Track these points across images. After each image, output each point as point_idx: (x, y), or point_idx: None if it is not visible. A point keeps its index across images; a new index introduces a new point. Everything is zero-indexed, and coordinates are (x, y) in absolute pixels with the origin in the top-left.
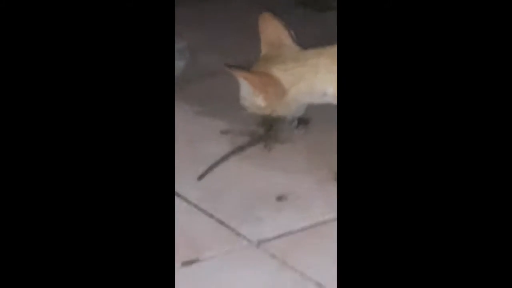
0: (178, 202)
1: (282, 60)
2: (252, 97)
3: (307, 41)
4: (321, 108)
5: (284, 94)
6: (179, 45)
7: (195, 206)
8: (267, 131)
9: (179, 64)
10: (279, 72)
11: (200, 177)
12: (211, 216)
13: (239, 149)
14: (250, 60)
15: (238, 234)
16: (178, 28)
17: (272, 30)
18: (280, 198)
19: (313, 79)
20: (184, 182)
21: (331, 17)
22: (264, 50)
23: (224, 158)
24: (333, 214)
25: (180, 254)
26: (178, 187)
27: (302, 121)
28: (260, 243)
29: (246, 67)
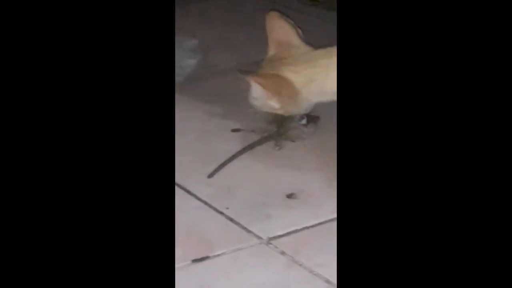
0: (189, 199)
1: (292, 61)
2: (265, 99)
3: (319, 40)
4: (331, 106)
5: (296, 95)
6: (190, 43)
7: (206, 203)
8: (278, 129)
9: (190, 63)
10: (291, 74)
11: (211, 174)
12: (222, 213)
13: (250, 147)
14: (262, 59)
15: (249, 232)
16: (189, 26)
17: (280, 29)
18: (290, 196)
19: (324, 79)
20: (195, 179)
21: None
22: (272, 49)
23: (235, 156)
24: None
25: (191, 251)
26: (189, 185)
27: (312, 119)
28: (270, 240)
29: (257, 67)
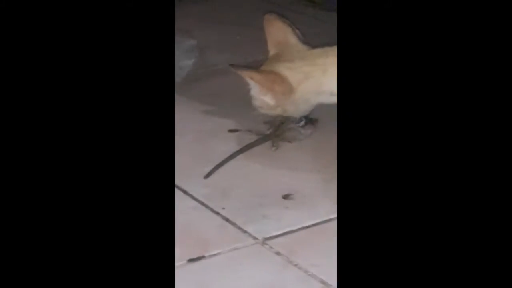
0: (185, 199)
1: (289, 58)
2: (260, 96)
3: (316, 41)
4: (329, 108)
5: (291, 92)
6: (188, 43)
7: (202, 203)
8: (275, 130)
9: (188, 63)
10: (286, 70)
11: (207, 175)
12: (218, 213)
13: (247, 147)
14: (260, 59)
15: (244, 232)
16: (187, 26)
17: (278, 31)
18: (286, 197)
19: (321, 78)
20: (191, 179)
21: None
22: (271, 51)
23: (232, 157)
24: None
25: (186, 251)
26: (185, 185)
27: (310, 120)
28: (265, 240)
29: (254, 67)
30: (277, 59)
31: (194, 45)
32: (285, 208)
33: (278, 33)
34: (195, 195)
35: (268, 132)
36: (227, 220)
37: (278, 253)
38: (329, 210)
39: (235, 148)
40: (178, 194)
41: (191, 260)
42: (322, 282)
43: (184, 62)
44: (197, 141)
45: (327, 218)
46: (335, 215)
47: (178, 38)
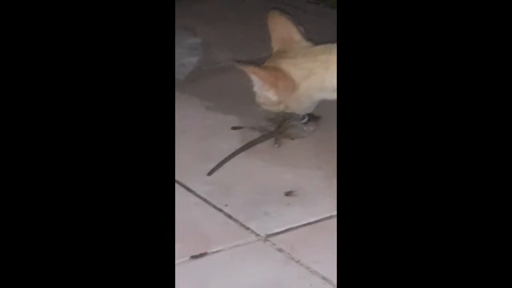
0: (188, 196)
1: (292, 55)
2: (263, 91)
3: (319, 38)
4: (331, 104)
5: (294, 89)
6: (191, 41)
7: (205, 200)
8: (278, 127)
9: (192, 60)
10: (289, 67)
11: (210, 172)
12: (220, 210)
13: (249, 144)
14: (263, 57)
15: (247, 228)
16: (191, 24)
17: (282, 28)
18: (288, 194)
19: (323, 74)
20: (194, 176)
21: None
22: (275, 47)
23: (234, 154)
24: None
25: (189, 247)
26: (188, 182)
27: (313, 117)
28: (267, 237)
29: (257, 63)
30: (280, 56)
31: (197, 43)
32: (287, 205)
33: (282, 29)
34: (198, 192)
35: (271, 129)
36: (229, 217)
37: (280, 250)
38: (330, 207)
39: (238, 145)
40: (181, 191)
41: (193, 257)
42: (324, 278)
43: (187, 60)
44: (200, 138)
45: (329, 215)
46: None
47: (181, 36)
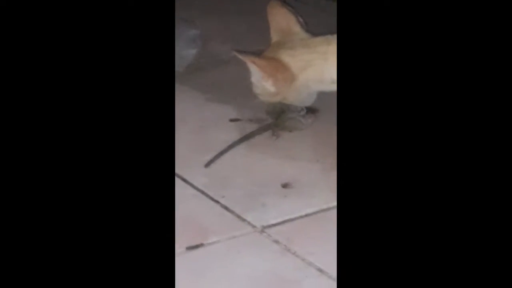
0: (185, 188)
1: (291, 46)
2: (261, 82)
3: (319, 30)
4: (330, 97)
5: (293, 80)
6: (191, 32)
7: (202, 192)
8: (276, 119)
9: (191, 52)
10: (288, 58)
11: (208, 164)
12: (217, 202)
13: (247, 136)
14: (263, 49)
15: (243, 220)
16: (190, 16)
17: (281, 18)
18: (285, 186)
19: (322, 65)
20: (192, 168)
21: None
22: (274, 38)
23: (232, 146)
24: (336, 202)
25: (185, 239)
26: (186, 173)
27: (311, 110)
28: (264, 229)
29: (256, 54)
30: (279, 47)
31: (197, 35)
32: (284, 197)
33: (281, 20)
34: (195, 183)
35: (268, 121)
36: (226, 208)
37: (276, 241)
38: (327, 199)
39: (235, 137)
40: (178, 182)
41: (190, 248)
42: (320, 270)
43: (186, 52)
44: (198, 130)
45: (326, 207)
46: (333, 204)
47: (181, 28)
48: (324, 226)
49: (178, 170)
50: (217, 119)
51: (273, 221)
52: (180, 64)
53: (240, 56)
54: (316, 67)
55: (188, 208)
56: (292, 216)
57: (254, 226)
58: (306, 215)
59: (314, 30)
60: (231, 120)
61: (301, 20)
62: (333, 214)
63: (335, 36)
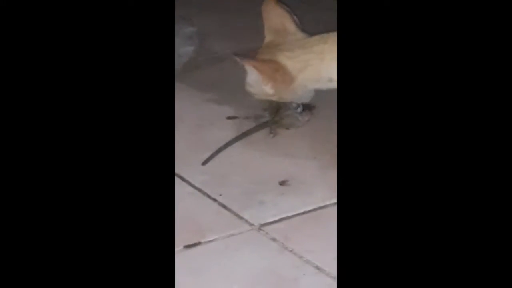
0: (182, 186)
1: (288, 47)
2: (260, 84)
3: (314, 28)
4: (326, 94)
5: (291, 81)
6: (188, 30)
7: (199, 190)
8: (273, 117)
9: (188, 50)
10: (286, 60)
11: (205, 161)
12: (215, 200)
13: (244, 134)
14: (259, 46)
15: (240, 218)
16: (188, 13)
17: (276, 17)
18: (282, 183)
19: (319, 65)
20: (189, 166)
21: None
22: (268, 36)
23: (229, 143)
24: (334, 199)
25: (183, 237)
26: (183, 171)
27: (307, 107)
28: (261, 226)
29: (253, 54)
30: (275, 47)
31: (194, 32)
32: (281, 195)
33: (276, 19)
34: (192, 181)
35: (266, 119)
36: (223, 206)
37: (273, 239)
38: (324, 196)
39: (233, 135)
40: (175, 180)
41: (187, 246)
42: (317, 267)
43: (184, 49)
44: (196, 128)
45: (323, 204)
46: (331, 202)
47: (178, 25)
48: (321, 223)
49: (175, 168)
50: (214, 116)
51: (271, 219)
52: (177, 61)
53: (240, 60)
54: (314, 67)
55: (185, 206)
56: (290, 214)
57: (251, 224)
58: (304, 213)
59: (308, 26)
60: (229, 118)
61: (296, 18)
62: (331, 211)
63: (330, 34)
